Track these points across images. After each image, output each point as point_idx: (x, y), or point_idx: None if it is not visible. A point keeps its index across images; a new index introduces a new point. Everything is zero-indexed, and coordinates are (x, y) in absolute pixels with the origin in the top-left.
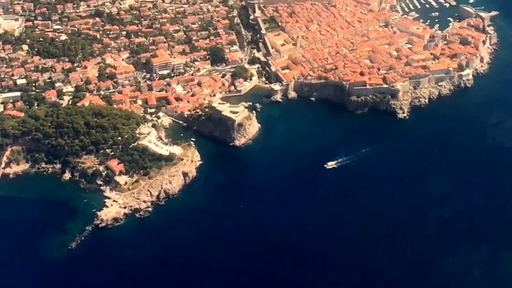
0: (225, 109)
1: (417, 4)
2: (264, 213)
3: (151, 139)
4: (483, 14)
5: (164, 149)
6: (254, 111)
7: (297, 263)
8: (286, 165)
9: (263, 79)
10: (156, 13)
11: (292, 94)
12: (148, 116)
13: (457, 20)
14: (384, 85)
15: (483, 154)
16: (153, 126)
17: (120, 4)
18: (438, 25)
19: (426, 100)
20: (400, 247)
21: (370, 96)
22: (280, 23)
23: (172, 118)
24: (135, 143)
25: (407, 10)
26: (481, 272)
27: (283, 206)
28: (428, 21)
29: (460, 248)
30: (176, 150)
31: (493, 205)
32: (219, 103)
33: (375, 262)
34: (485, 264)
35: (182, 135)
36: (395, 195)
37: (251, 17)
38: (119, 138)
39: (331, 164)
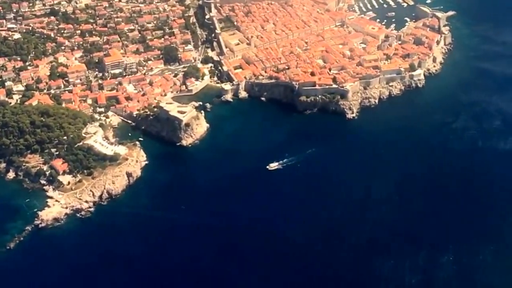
0: (173, 109)
1: (375, 3)
2: (204, 214)
3: (97, 139)
4: (439, 14)
5: (109, 149)
6: (203, 111)
7: (234, 263)
8: (230, 166)
9: (215, 78)
10: (112, 12)
11: (243, 94)
12: (96, 116)
13: (414, 20)
14: (334, 86)
15: (429, 156)
16: (101, 125)
17: (76, 3)
18: (394, 25)
19: (376, 101)
20: (336, 250)
21: (320, 96)
22: (235, 23)
23: (121, 118)
24: (80, 143)
25: (364, 9)
26: (416, 278)
27: (223, 207)
28: (385, 21)
29: (397, 253)
30: (121, 150)
31: (435, 208)
32: (167, 103)
33: (310, 264)
34: (422, 270)
35: (130, 134)
36: (335, 197)
37: (207, 17)
38: (65, 137)
39: (273, 166)
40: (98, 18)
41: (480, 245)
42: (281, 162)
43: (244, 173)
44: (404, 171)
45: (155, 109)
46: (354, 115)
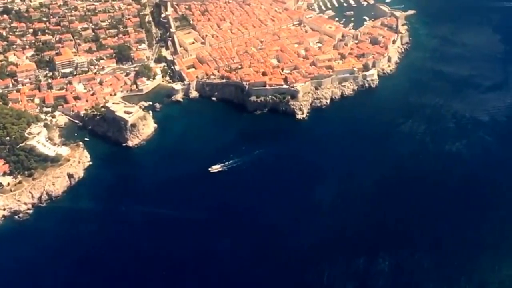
0: (119, 109)
1: (335, 2)
2: (143, 216)
3: (40, 139)
4: (397, 13)
5: (51, 150)
6: (151, 111)
7: (169, 270)
8: (173, 168)
9: (168, 78)
10: (66, 11)
11: (194, 93)
12: (42, 116)
13: (373, 19)
14: (284, 86)
15: (378, 158)
16: (45, 126)
17: (30, 2)
18: (352, 24)
19: (328, 101)
20: (276, 258)
21: (270, 96)
22: (191, 21)
23: (69, 118)
24: (23, 143)
25: (324, 8)
26: (354, 285)
27: (160, 210)
28: (343, 19)
29: (337, 261)
30: (64, 150)
31: (379, 211)
32: (113, 103)
33: (249, 271)
34: (359, 277)
35: (76, 134)
36: (275, 201)
37: (163, 15)
38: (7, 138)
39: (216, 168)
40: (51, 17)
41: (420, 250)
42: (224, 164)
43: (186, 175)
44: (352, 173)
45: (102, 109)
46: (304, 115)
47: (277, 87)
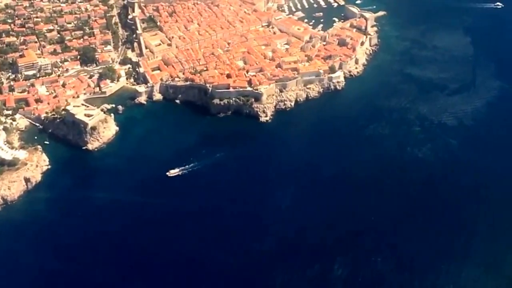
0: (79, 112)
1: (305, 3)
2: (97, 222)
3: None
4: (367, 15)
5: (8, 154)
6: (112, 114)
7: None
8: (131, 172)
9: (132, 80)
10: (32, 12)
11: (157, 96)
12: (2, 118)
13: (342, 20)
14: (248, 88)
15: (341, 161)
16: (5, 129)
17: None
18: (322, 25)
19: (292, 103)
20: (231, 265)
21: (233, 99)
22: (158, 23)
23: (29, 120)
24: None
25: (294, 10)
26: None
27: (116, 217)
28: (313, 21)
29: (291, 267)
30: (21, 154)
31: (340, 216)
32: (74, 106)
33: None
34: (315, 283)
35: (36, 138)
36: (233, 205)
37: (130, 17)
38: None
39: (173, 172)
40: (16, 18)
41: (377, 255)
42: (183, 168)
43: (143, 180)
44: (313, 176)
45: (63, 112)
46: (267, 118)
47: (241, 89)
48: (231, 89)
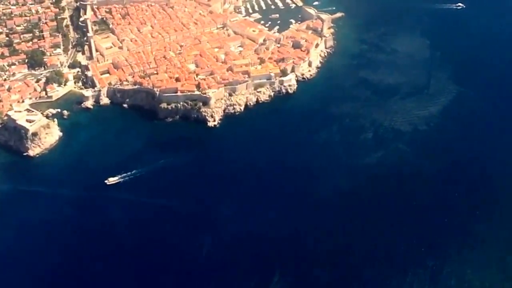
0: (21, 118)
1: (262, 5)
2: (30, 230)
3: None
4: (324, 16)
5: None
6: (56, 119)
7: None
8: (70, 179)
9: (80, 84)
10: None
11: (105, 100)
12: None
13: (299, 22)
14: (196, 92)
15: (287, 170)
16: None
17: None
18: (278, 27)
19: (242, 108)
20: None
21: (181, 103)
22: (111, 25)
23: None
24: None
25: (251, 11)
26: None
27: (49, 225)
28: (269, 23)
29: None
30: None
31: (284, 228)
32: (15, 111)
33: None
34: None
35: None
36: (171, 215)
37: (81, 19)
38: None
39: (112, 180)
40: None
41: (317, 266)
42: (123, 175)
43: (79, 188)
44: (259, 183)
45: (5, 118)
46: (216, 122)
47: (189, 93)
48: (178, 93)
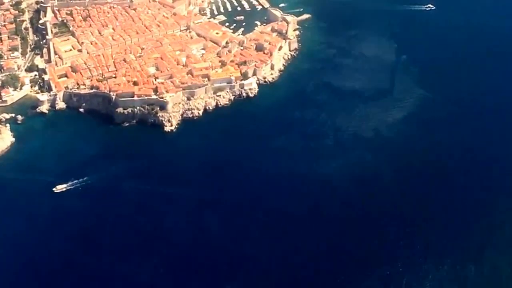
0: None
1: (228, 7)
2: None
3: None
4: (289, 18)
5: None
6: (8, 124)
7: None
8: (18, 187)
9: (37, 88)
10: None
11: (61, 105)
12: None
13: (265, 24)
14: (153, 96)
15: (241, 177)
16: None
17: None
18: (242, 29)
19: (201, 112)
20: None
21: (138, 107)
22: (71, 28)
23: None
24: None
25: (216, 13)
26: None
27: None
28: (234, 25)
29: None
30: None
31: (236, 237)
32: None
33: None
34: None
35: None
36: (119, 223)
37: (41, 21)
38: None
39: (61, 187)
40: None
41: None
42: (73, 182)
43: (28, 195)
44: (206, 192)
45: None
46: (173, 127)
47: (146, 97)
48: (135, 98)
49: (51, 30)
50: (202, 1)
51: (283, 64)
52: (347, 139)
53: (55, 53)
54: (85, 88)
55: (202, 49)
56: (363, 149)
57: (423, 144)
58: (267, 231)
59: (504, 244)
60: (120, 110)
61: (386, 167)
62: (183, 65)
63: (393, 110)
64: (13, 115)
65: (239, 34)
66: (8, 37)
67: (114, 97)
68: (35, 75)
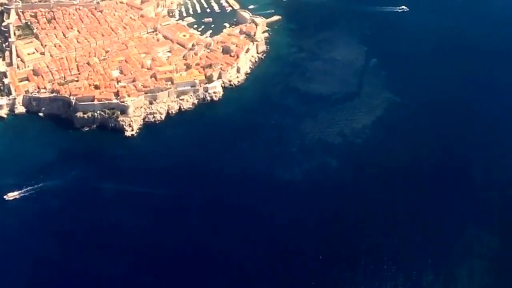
0: None
1: (198, 8)
2: None
3: None
4: (258, 20)
5: None
6: None
7: None
8: None
9: None
10: None
11: (20, 109)
12: None
13: (234, 26)
14: (114, 100)
15: (198, 184)
16: None
17: None
18: (211, 31)
19: (163, 116)
20: None
21: (98, 112)
22: (35, 30)
23: None
24: None
25: (185, 15)
26: None
27: None
28: (203, 27)
29: None
30: None
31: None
32: None
33: None
34: None
35: None
36: (71, 232)
37: (4, 23)
38: None
39: (12, 195)
40: None
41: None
42: (27, 189)
43: None
44: (164, 199)
45: None
46: (133, 132)
47: (106, 102)
48: (95, 102)
49: (14, 33)
50: (171, 3)
51: (250, 67)
52: (312, 144)
53: (18, 56)
54: (45, 92)
55: (168, 51)
56: (327, 155)
57: (388, 148)
58: (220, 237)
59: (461, 252)
60: (80, 114)
61: (349, 172)
62: (148, 68)
63: (360, 114)
64: None
65: (207, 37)
66: None
67: (74, 101)
68: None
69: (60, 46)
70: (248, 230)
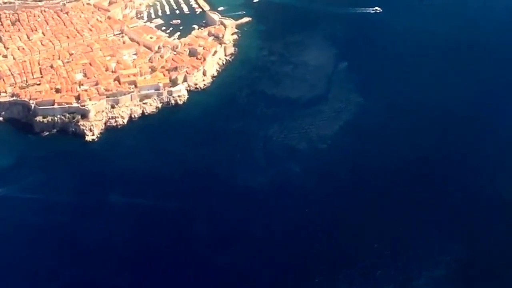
0: None
1: (167, 10)
2: None
3: None
4: (227, 22)
5: None
6: None
7: None
8: None
9: None
10: None
11: None
12: None
13: (203, 28)
14: (75, 104)
15: (156, 191)
16: None
17: None
18: (179, 33)
19: (125, 120)
20: None
21: (59, 116)
22: None
23: None
24: None
25: (153, 16)
26: None
27: None
28: (171, 29)
29: None
30: None
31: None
32: None
33: None
34: None
35: None
36: (26, 240)
37: None
38: None
39: None
40: None
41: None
42: None
43: None
44: (123, 204)
45: None
46: (94, 136)
47: (67, 106)
48: (55, 106)
49: None
50: (140, 4)
51: (217, 70)
52: (277, 150)
53: None
54: (5, 96)
55: (135, 54)
56: (292, 161)
57: (354, 154)
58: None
59: (436, 261)
60: (39, 118)
61: (313, 178)
62: (112, 71)
63: (328, 119)
64: None
65: (175, 39)
66: None
67: (33, 105)
68: None
69: (23, 48)
70: (206, 237)
